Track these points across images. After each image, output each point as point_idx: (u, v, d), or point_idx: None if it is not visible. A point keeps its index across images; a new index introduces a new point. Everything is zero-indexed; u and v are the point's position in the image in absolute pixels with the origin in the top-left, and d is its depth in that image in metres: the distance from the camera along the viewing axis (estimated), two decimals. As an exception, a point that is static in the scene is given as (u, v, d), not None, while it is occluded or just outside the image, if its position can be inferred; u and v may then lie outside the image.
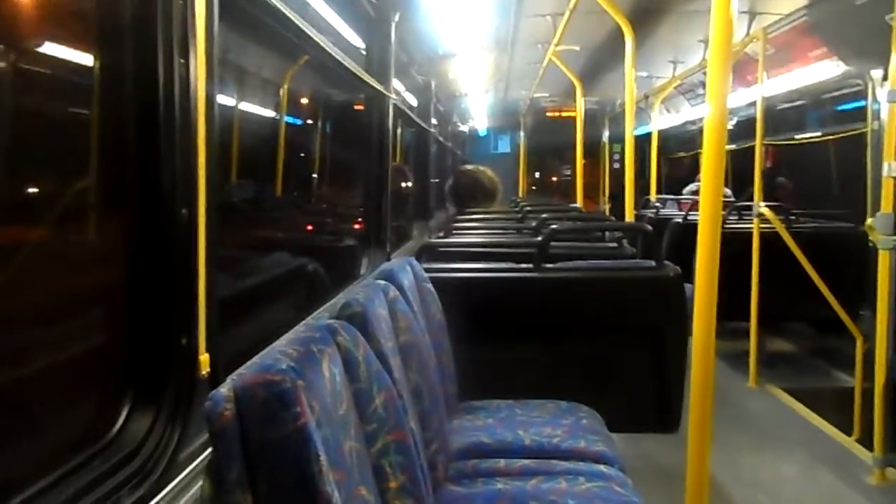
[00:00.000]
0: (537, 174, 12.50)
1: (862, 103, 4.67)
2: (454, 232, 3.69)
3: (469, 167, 5.06)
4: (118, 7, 1.04)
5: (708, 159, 1.51)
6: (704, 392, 1.61)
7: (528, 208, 4.62)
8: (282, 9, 1.64)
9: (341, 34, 3.22)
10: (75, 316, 1.14)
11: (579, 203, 5.95)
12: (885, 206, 2.96)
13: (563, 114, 9.96)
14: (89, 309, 1.16)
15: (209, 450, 1.21)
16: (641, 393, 2.64)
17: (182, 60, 1.08)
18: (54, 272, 1.08)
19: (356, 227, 3.25)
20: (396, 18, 3.07)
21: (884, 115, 4.16)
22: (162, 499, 1.08)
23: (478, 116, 10.44)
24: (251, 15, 1.73)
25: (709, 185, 1.51)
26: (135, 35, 1.05)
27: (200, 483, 1.17)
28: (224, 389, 1.04)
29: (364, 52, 3.24)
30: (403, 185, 5.09)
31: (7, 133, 0.98)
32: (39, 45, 1.02)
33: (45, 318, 1.08)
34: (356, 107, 3.80)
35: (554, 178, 12.68)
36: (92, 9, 1.08)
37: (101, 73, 1.09)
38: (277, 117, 3.33)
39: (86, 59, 1.12)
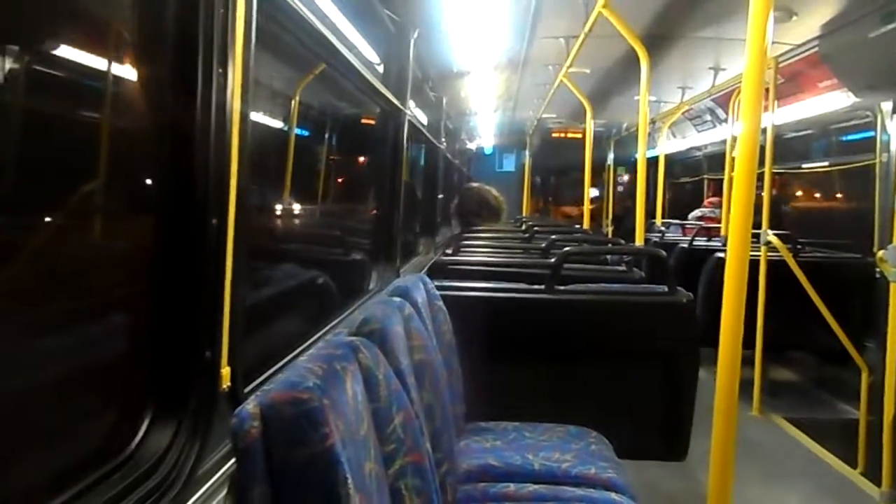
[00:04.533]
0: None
1: (868, 135, 4.70)
2: (462, 250, 3.67)
3: (475, 185, 5.10)
4: (160, 20, 1.03)
5: (739, 183, 1.50)
6: (728, 423, 1.59)
7: (536, 228, 4.61)
8: (310, 20, 1.63)
9: (357, 48, 3.23)
10: (100, 324, 1.11)
11: (586, 225, 5.95)
12: (897, 238, 2.95)
13: (569, 135, 9.99)
14: (115, 317, 1.14)
15: (227, 465, 1.19)
16: (650, 420, 2.62)
17: (220, 70, 1.07)
18: (82, 278, 1.06)
19: (365, 241, 3.23)
20: (415, 35, 3.08)
21: (894, 147, 4.20)
22: (181, 516, 1.05)
23: (485, 134, 10.47)
24: (274, 25, 1.72)
25: (738, 212, 1.49)
26: (176, 47, 1.04)
27: (217, 500, 1.14)
28: (250, 406, 1.01)
29: (379, 67, 3.23)
30: (412, 200, 5.10)
31: (43, 138, 0.96)
32: (84, 54, 1.01)
33: (70, 325, 1.05)
34: (365, 120, 3.80)
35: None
36: (135, 14, 1.06)
37: (142, 80, 1.07)
38: (287, 128, 3.32)
39: (127, 64, 1.10)
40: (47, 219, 1.01)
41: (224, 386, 1.18)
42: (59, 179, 1.02)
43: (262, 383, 1.38)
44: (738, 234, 1.50)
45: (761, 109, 1.49)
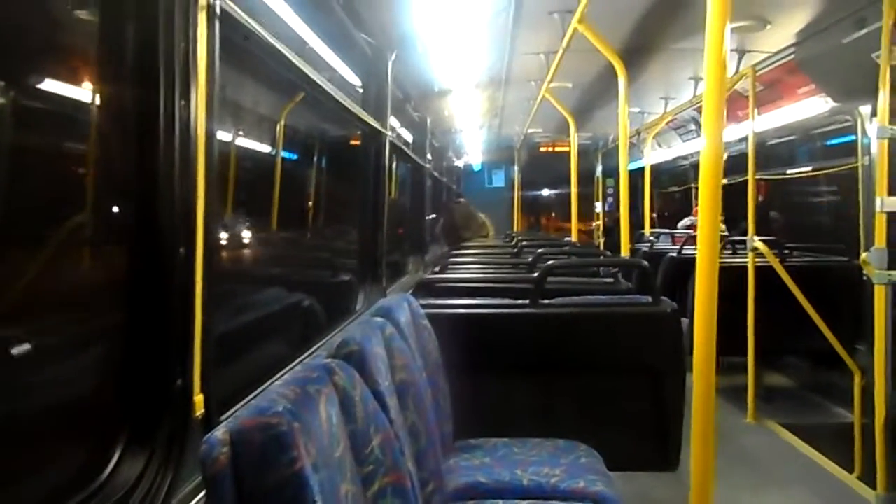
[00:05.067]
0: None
1: (851, 138, 4.74)
2: (450, 267, 3.68)
3: (462, 200, 5.20)
4: (121, 53, 1.05)
5: (704, 194, 1.53)
6: (706, 429, 1.59)
7: (524, 242, 4.62)
8: (284, 52, 1.66)
9: (338, 72, 3.26)
10: (69, 355, 1.12)
11: (574, 237, 5.96)
12: (879, 240, 2.97)
13: (557, 148, 10.05)
14: (84, 348, 1.15)
15: (201, 495, 1.19)
16: (640, 430, 2.61)
17: (183, 102, 1.09)
18: (49, 310, 1.07)
19: (352, 262, 3.24)
20: (393, 57, 3.11)
21: (874, 150, 4.23)
22: (153, 547, 1.05)
23: (472, 151, 10.53)
24: (252, 55, 1.74)
25: (706, 220, 1.52)
26: (137, 80, 1.05)
27: (193, 529, 1.14)
28: (219, 433, 1.02)
29: (361, 90, 3.27)
30: (399, 219, 5.14)
31: (6, 167, 0.98)
32: (46, 86, 1.02)
33: (39, 356, 1.06)
34: (350, 142, 3.83)
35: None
36: (96, 54, 1.08)
37: (105, 116, 1.09)
38: (273, 152, 3.34)
39: (91, 101, 1.12)
40: (12, 252, 1.02)
41: (197, 413, 1.18)
42: (23, 212, 1.03)
43: (239, 409, 1.38)
44: (706, 243, 1.52)
45: (723, 122, 1.52)
